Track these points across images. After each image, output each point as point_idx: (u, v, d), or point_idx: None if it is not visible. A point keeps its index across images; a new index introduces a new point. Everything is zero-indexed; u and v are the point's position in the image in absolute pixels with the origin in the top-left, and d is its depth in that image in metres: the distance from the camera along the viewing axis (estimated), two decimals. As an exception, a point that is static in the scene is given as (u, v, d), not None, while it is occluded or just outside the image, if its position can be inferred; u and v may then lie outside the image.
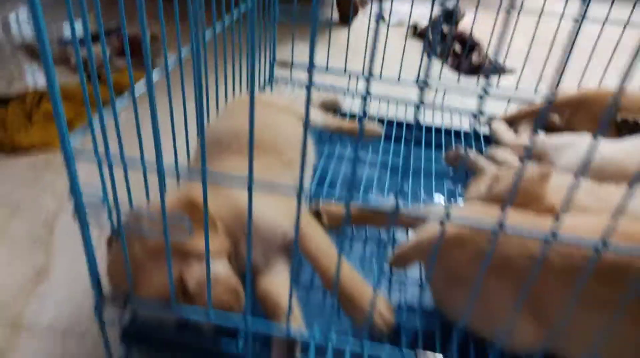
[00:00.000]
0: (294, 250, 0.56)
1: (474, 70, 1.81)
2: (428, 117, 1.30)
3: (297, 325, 0.63)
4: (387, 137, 1.19)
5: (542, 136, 1.05)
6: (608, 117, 0.41)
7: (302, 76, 1.31)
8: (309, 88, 0.42)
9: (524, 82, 1.29)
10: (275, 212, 0.69)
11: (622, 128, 0.95)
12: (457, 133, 1.25)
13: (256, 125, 0.95)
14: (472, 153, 1.07)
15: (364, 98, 0.41)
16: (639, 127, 0.94)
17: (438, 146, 1.19)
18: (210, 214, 0.63)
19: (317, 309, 0.71)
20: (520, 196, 0.73)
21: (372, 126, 1.15)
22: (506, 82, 1.63)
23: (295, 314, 0.64)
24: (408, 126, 1.25)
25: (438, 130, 1.25)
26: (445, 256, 0.64)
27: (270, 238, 0.68)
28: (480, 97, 0.43)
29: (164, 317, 0.62)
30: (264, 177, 0.68)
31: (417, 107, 0.42)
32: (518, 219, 0.63)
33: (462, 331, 0.65)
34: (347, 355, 0.64)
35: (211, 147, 0.86)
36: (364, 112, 0.42)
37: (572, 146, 0.90)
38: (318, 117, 1.09)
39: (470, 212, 0.71)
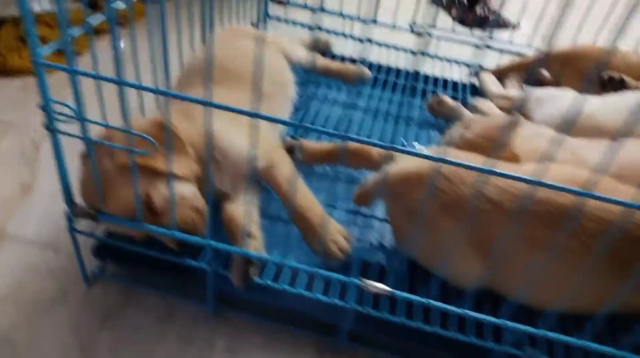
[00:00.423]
0: (251, 172, 0.57)
1: (479, 23, 1.77)
2: (422, 66, 1.29)
3: (257, 247, 0.67)
4: (378, 83, 1.20)
5: (527, 90, 1.05)
6: (537, 66, 0.43)
7: (297, 15, 1.29)
8: (264, 17, 0.43)
9: (523, 36, 1.27)
10: (247, 142, 0.71)
11: (607, 85, 0.95)
12: (446, 82, 1.25)
13: (237, 57, 0.95)
14: (453, 102, 1.07)
15: (312, 28, 0.42)
16: (624, 84, 0.94)
17: (425, 94, 1.19)
18: (180, 139, 0.65)
19: (280, 239, 0.74)
20: (487, 143, 0.74)
21: (360, 69, 1.15)
22: (503, 35, 1.60)
23: (256, 236, 0.67)
24: (399, 72, 1.25)
25: (427, 79, 1.25)
26: (406, 193, 0.66)
27: (240, 165, 0.71)
28: (419, 34, 0.44)
29: (132, 232, 0.65)
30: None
31: (362, 41, 0.43)
32: (471, 158, 0.65)
33: (410, 263, 0.68)
34: (303, 277, 0.68)
35: (194, 76, 0.87)
36: (316, 47, 0.43)
37: (551, 99, 0.90)
38: (303, 55, 1.08)
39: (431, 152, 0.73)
